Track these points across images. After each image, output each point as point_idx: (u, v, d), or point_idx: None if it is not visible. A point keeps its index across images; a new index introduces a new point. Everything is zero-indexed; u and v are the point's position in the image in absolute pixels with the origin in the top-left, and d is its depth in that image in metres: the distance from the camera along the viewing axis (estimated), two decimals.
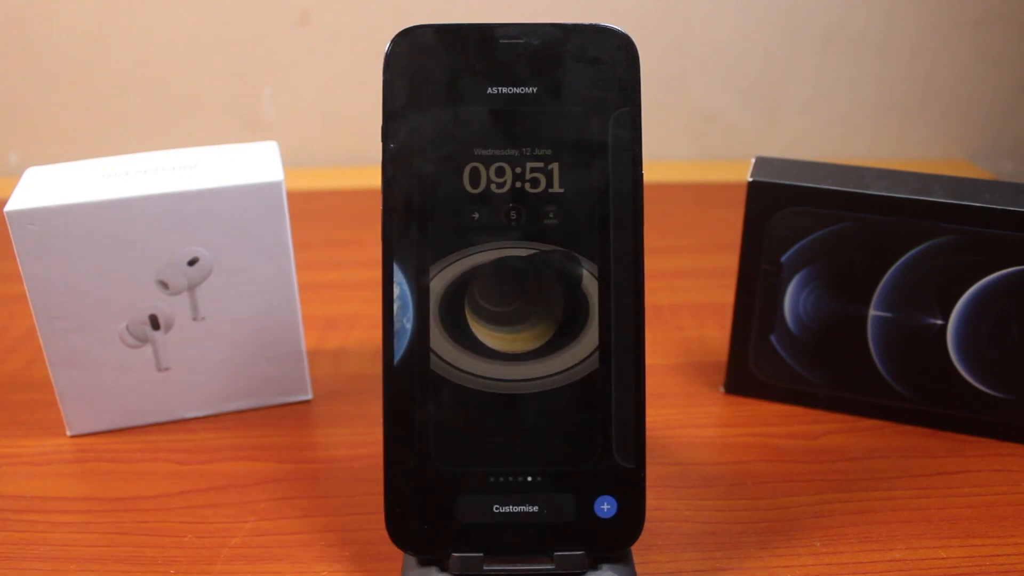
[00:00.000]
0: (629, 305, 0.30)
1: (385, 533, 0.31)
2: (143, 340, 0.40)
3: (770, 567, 0.34)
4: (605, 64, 0.30)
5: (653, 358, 0.46)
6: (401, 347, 0.28)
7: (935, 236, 0.38)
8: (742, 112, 0.75)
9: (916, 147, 0.76)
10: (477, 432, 0.29)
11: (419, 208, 0.30)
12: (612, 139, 0.30)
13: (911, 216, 0.38)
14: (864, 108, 0.74)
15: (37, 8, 0.68)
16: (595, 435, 0.29)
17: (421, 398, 0.28)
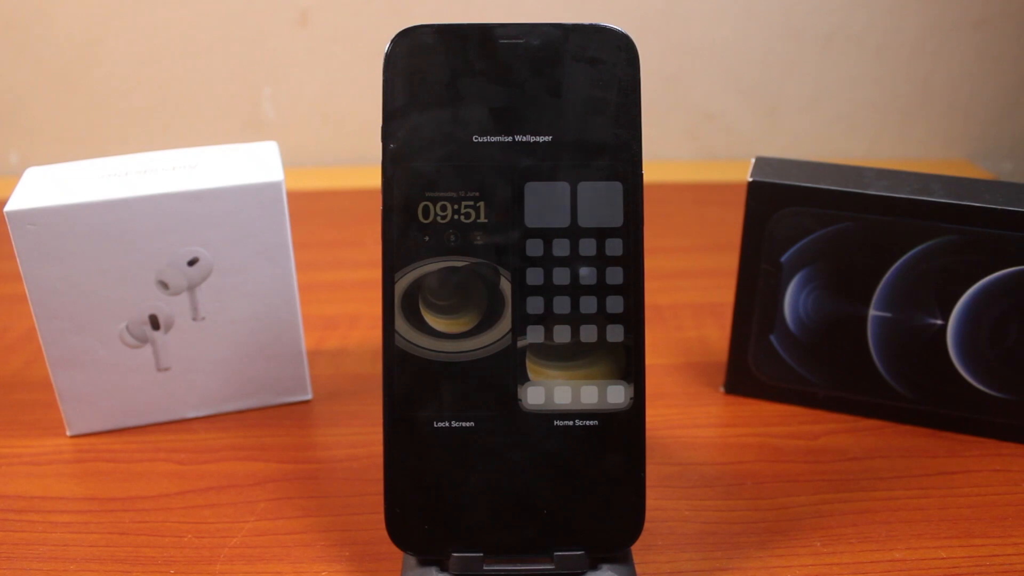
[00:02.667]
0: (631, 305, 0.30)
1: (385, 533, 0.31)
2: (143, 340, 0.40)
3: (770, 567, 0.34)
4: (605, 64, 0.30)
5: (653, 358, 0.47)
6: None
7: (935, 236, 0.38)
8: (742, 112, 0.75)
9: (916, 147, 0.76)
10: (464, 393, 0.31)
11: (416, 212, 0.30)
12: (612, 139, 0.30)
13: (911, 216, 0.38)
14: (864, 108, 0.75)
15: (37, 8, 0.68)
16: (620, 489, 0.31)
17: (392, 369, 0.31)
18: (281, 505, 0.37)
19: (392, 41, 0.30)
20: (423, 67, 0.30)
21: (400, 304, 0.31)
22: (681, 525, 0.36)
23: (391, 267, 0.30)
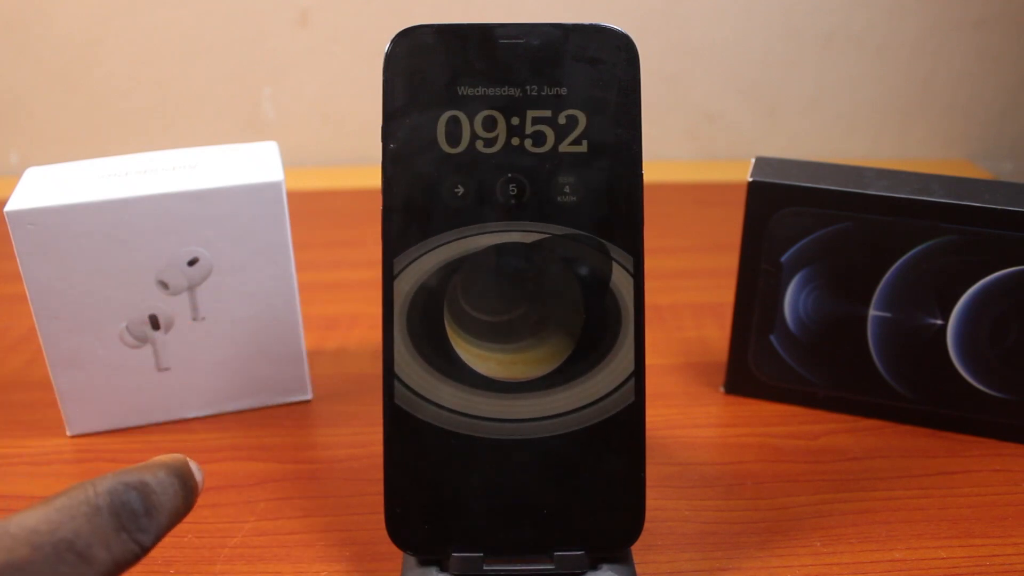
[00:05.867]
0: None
1: (385, 533, 0.31)
2: (143, 340, 0.40)
3: (770, 567, 0.34)
4: (605, 64, 0.30)
5: (653, 358, 0.46)
6: None
7: (935, 236, 0.38)
8: (742, 112, 0.75)
9: (916, 147, 0.76)
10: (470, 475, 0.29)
11: (419, 208, 0.30)
12: (612, 139, 0.30)
13: (911, 216, 0.38)
14: (864, 108, 0.75)
15: (37, 8, 0.68)
16: (620, 491, 0.27)
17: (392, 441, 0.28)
18: (281, 505, 0.37)
19: (392, 41, 0.30)
20: (423, 67, 0.30)
21: (404, 323, 0.27)
22: (681, 525, 0.36)
23: (390, 267, 0.30)
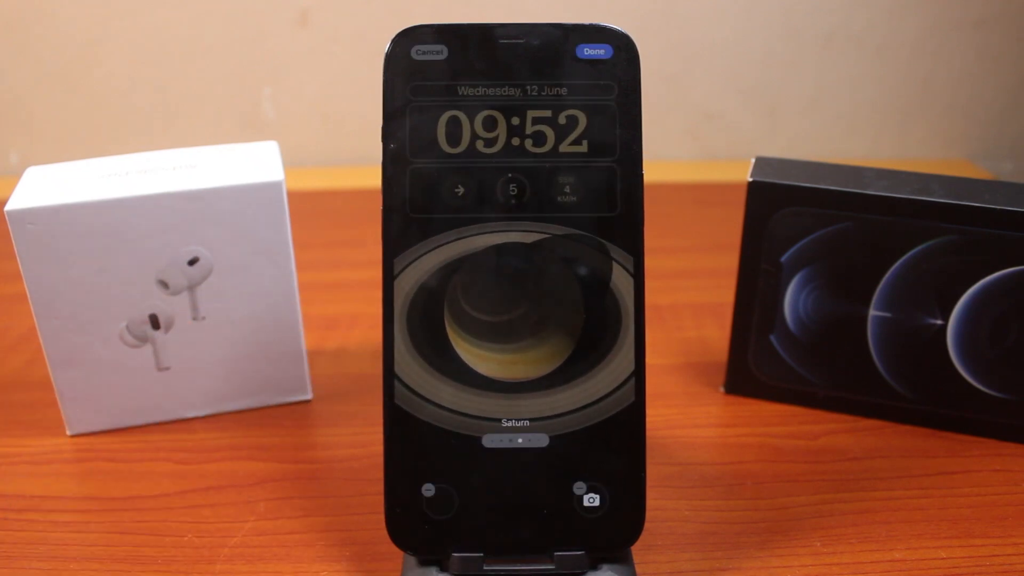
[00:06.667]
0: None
1: (385, 533, 0.31)
2: (143, 340, 0.40)
3: (770, 567, 0.34)
4: (605, 64, 0.30)
5: (653, 358, 0.46)
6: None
7: (935, 236, 0.38)
8: (742, 112, 0.75)
9: (916, 147, 0.76)
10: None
11: (419, 208, 0.30)
12: (612, 139, 0.30)
13: (911, 216, 0.38)
14: (864, 108, 0.75)
15: (37, 8, 0.68)
16: (620, 491, 0.27)
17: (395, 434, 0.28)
18: (281, 505, 0.37)
19: (392, 41, 0.30)
20: (423, 67, 0.30)
21: (405, 323, 0.27)
22: (681, 525, 0.36)
23: (391, 267, 0.30)
